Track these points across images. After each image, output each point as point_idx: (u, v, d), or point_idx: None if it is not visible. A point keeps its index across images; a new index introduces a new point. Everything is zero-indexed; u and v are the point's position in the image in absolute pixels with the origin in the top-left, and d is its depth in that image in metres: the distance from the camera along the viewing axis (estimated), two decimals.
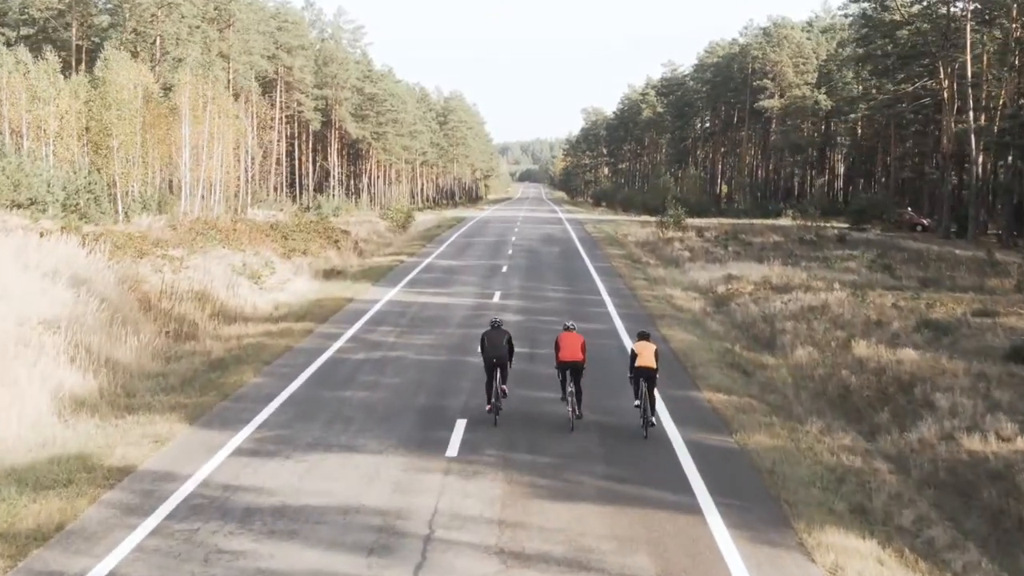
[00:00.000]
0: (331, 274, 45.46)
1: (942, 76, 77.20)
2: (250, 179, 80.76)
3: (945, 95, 76.80)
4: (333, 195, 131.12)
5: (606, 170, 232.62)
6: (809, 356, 26.59)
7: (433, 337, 29.02)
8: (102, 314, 24.73)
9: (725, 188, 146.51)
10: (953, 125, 76.91)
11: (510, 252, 57.43)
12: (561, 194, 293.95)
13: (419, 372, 23.98)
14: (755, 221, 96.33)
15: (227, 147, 68.97)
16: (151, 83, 66.51)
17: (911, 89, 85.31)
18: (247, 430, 18.42)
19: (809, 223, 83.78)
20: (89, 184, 56.97)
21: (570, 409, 19.04)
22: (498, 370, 19.42)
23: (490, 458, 16.95)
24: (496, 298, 37.63)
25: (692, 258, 54.72)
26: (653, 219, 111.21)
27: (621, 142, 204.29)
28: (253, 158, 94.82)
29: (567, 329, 19.63)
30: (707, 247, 63.77)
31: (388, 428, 18.82)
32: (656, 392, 19.15)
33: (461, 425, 18.98)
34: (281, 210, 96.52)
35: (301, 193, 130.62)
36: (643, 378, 18.64)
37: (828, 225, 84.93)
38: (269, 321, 31.50)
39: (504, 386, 19.71)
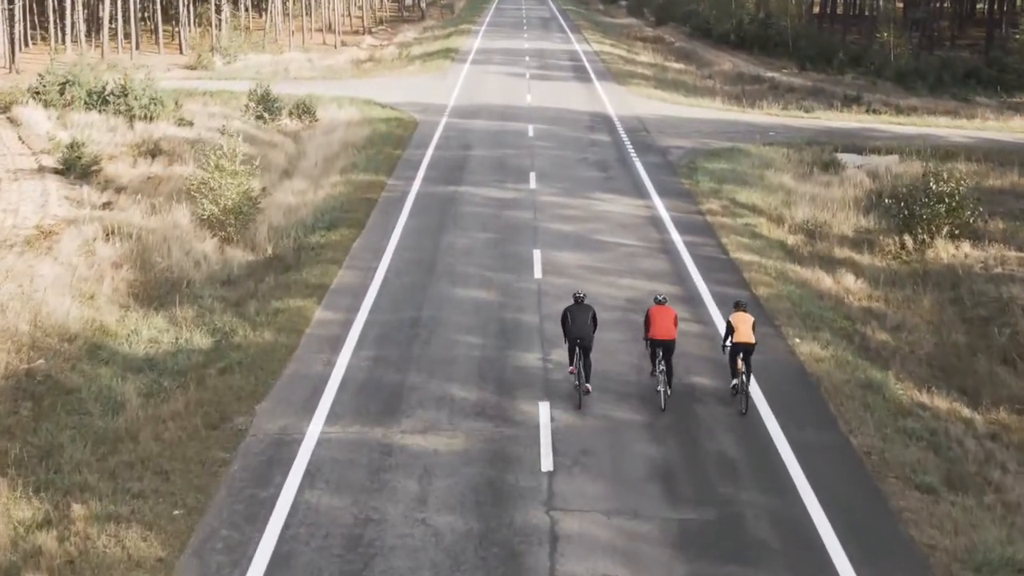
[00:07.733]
0: None
1: None
2: None
3: None
4: (219, 29, 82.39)
5: None
6: None
7: None
8: None
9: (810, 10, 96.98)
10: None
11: None
12: None
13: None
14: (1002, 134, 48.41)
15: None
16: None
17: None
18: None
19: None
20: None
21: (662, 389, 17.99)
22: (579, 349, 18.10)
23: None
24: None
25: None
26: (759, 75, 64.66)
27: None
28: None
29: (659, 302, 18.24)
30: None
31: None
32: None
33: None
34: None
35: (178, 27, 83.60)
36: (741, 353, 17.57)
37: None
38: None
39: (588, 383, 18.25)
